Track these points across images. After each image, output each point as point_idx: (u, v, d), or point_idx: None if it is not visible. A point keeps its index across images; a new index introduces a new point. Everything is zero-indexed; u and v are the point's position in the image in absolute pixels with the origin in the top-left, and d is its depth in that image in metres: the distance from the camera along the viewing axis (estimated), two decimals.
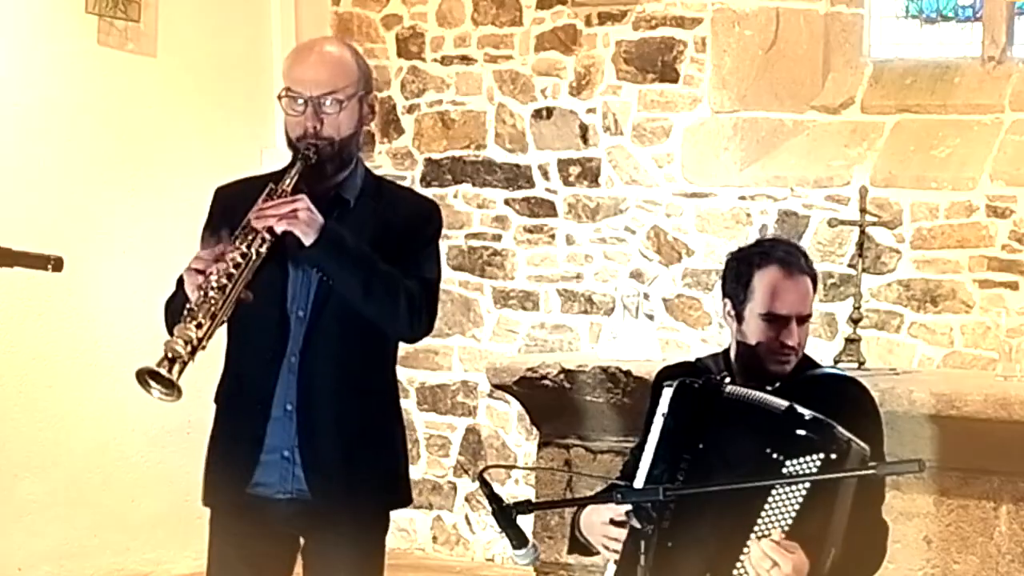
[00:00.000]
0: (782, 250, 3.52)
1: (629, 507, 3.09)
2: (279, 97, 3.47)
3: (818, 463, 3.16)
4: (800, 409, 3.22)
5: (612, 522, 3.33)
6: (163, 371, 3.19)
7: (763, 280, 3.45)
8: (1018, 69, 6.17)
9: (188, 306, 3.27)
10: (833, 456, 3.17)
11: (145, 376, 3.22)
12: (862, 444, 3.21)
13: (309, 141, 3.40)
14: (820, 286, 6.13)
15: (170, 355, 3.20)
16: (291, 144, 3.46)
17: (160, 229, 6.27)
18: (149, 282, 6.05)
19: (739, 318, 3.49)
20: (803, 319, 3.47)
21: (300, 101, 3.42)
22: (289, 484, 3.43)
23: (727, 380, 3.44)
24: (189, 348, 3.21)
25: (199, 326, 3.22)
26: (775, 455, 3.20)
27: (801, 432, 3.19)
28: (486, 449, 6.97)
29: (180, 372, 3.21)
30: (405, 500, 3.63)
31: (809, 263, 3.53)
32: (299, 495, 3.43)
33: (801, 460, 3.18)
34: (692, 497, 3.16)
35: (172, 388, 3.21)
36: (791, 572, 3.11)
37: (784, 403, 3.26)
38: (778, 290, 3.44)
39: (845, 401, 3.47)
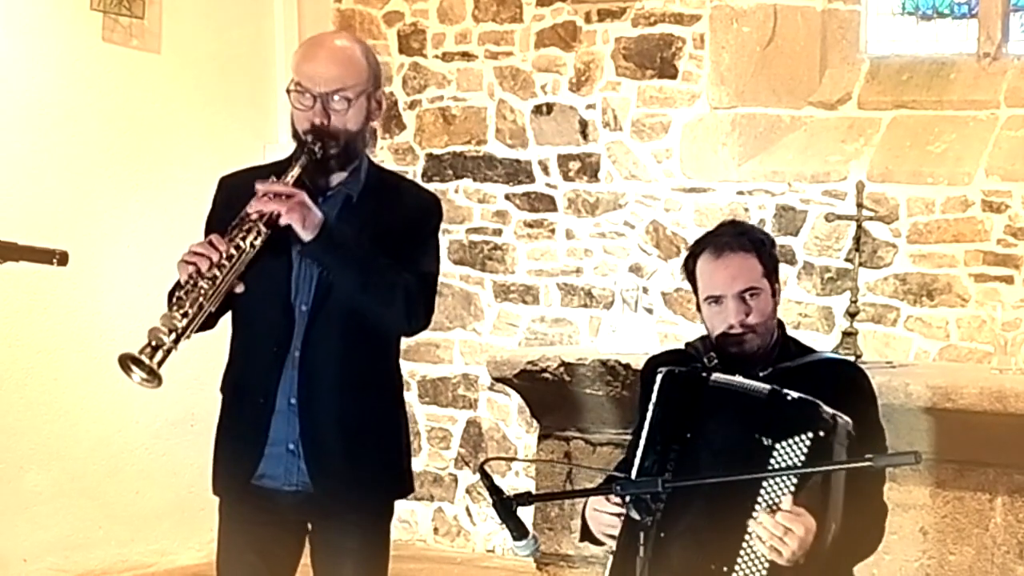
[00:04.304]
0: (713, 235, 3.61)
1: (627, 498, 3.14)
2: (288, 91, 3.46)
3: (808, 442, 3.22)
4: (783, 390, 3.28)
5: (611, 512, 3.38)
6: (144, 358, 3.16)
7: (699, 269, 3.57)
8: (1013, 65, 6.18)
9: (177, 294, 3.25)
10: (821, 433, 3.23)
11: (127, 362, 3.19)
12: (845, 418, 3.27)
13: (316, 136, 3.39)
14: (817, 279, 6.24)
15: (154, 343, 3.18)
16: (296, 135, 3.45)
17: (164, 224, 6.29)
18: (153, 276, 6.08)
19: (700, 309, 3.61)
20: (743, 295, 3.50)
21: (309, 96, 3.41)
22: (294, 477, 3.43)
23: (715, 363, 3.48)
24: (173, 336, 3.18)
25: (185, 315, 3.20)
26: (764, 439, 3.25)
27: (787, 413, 3.25)
28: (487, 441, 7.00)
29: (162, 360, 3.18)
30: (408, 490, 3.64)
31: (750, 238, 3.57)
32: (304, 487, 3.43)
33: (790, 441, 3.23)
34: (684, 486, 3.21)
35: (153, 376, 3.18)
36: (804, 534, 3.16)
37: (766, 387, 3.31)
38: (710, 273, 3.54)
39: (842, 384, 3.51)
